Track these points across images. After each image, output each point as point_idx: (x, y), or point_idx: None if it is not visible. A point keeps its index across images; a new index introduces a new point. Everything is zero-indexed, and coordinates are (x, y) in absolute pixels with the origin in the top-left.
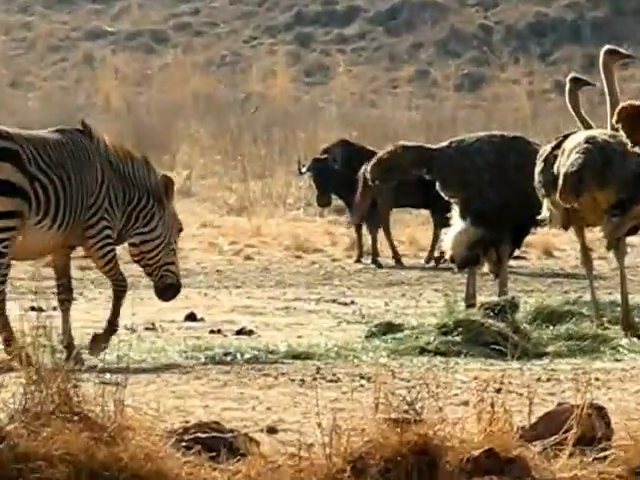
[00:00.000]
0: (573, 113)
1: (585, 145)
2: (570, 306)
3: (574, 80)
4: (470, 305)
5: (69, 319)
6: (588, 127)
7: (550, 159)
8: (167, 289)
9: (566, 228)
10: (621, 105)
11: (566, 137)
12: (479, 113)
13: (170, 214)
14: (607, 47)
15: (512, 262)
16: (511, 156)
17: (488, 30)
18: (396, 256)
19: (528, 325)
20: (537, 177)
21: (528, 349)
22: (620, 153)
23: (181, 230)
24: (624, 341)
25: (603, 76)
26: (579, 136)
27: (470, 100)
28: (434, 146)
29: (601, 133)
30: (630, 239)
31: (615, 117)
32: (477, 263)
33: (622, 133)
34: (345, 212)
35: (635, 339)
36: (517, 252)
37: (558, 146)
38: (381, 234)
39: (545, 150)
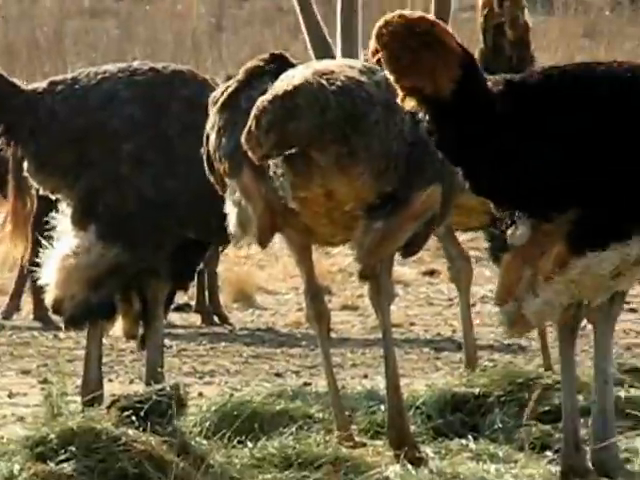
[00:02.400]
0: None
1: (303, 86)
2: (287, 402)
3: None
4: (93, 400)
5: None
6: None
7: (234, 112)
8: None
9: (264, 244)
10: (383, 19)
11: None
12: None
13: None
14: None
15: (172, 316)
16: (173, 109)
17: None
18: None
19: (205, 440)
20: (213, 146)
21: None
22: (382, 106)
23: None
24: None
25: None
26: (296, 72)
27: None
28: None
29: (342, 65)
30: None
31: (373, 40)
32: (108, 318)
33: (386, 70)
34: None
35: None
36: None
37: (245, 86)
38: None
39: (220, 95)
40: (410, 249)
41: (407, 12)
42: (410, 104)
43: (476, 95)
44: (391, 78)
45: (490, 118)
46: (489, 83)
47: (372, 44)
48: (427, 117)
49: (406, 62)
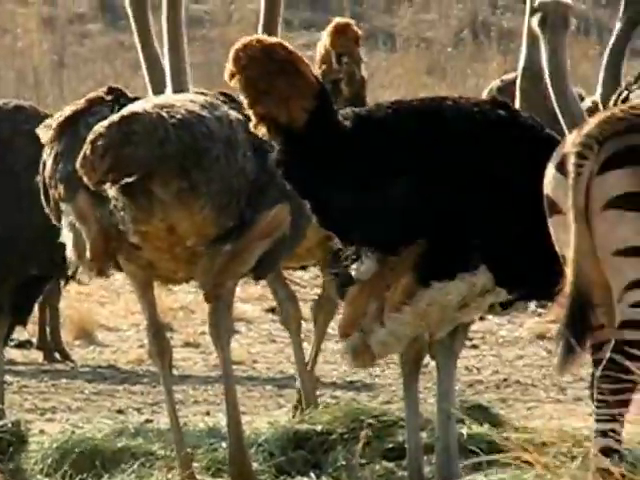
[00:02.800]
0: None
1: (141, 114)
2: (129, 439)
3: None
4: None
5: None
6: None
7: (72, 138)
8: None
9: (98, 270)
10: (241, 43)
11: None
12: None
13: None
14: None
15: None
16: (17, 144)
17: None
18: None
19: (46, 478)
20: (49, 172)
21: None
22: (223, 142)
23: None
24: None
25: None
26: (135, 104)
27: None
28: None
29: (183, 99)
30: None
31: (230, 63)
32: None
33: (241, 94)
34: None
35: None
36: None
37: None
38: None
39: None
40: (260, 271)
41: (265, 37)
42: (262, 131)
43: (328, 127)
44: (245, 102)
45: (340, 151)
46: (339, 117)
47: (228, 67)
48: (277, 146)
49: (262, 88)
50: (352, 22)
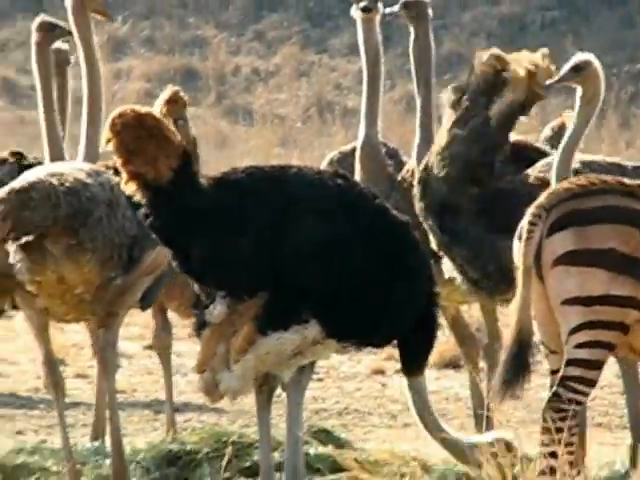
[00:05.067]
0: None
1: (37, 182)
2: (27, 456)
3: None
4: None
5: None
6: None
7: None
8: None
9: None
10: (117, 111)
11: None
12: None
13: None
14: None
15: None
16: None
17: None
18: None
19: None
20: None
21: None
22: (105, 204)
23: None
24: None
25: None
26: (33, 171)
27: None
28: None
29: (72, 168)
30: None
31: (107, 128)
32: None
33: (115, 155)
34: None
35: None
36: None
37: None
38: None
39: None
40: (146, 302)
41: (137, 107)
42: (131, 188)
43: (190, 184)
44: (118, 162)
45: (198, 206)
46: (201, 178)
47: (105, 133)
48: (145, 200)
49: (133, 149)
50: (178, 90)
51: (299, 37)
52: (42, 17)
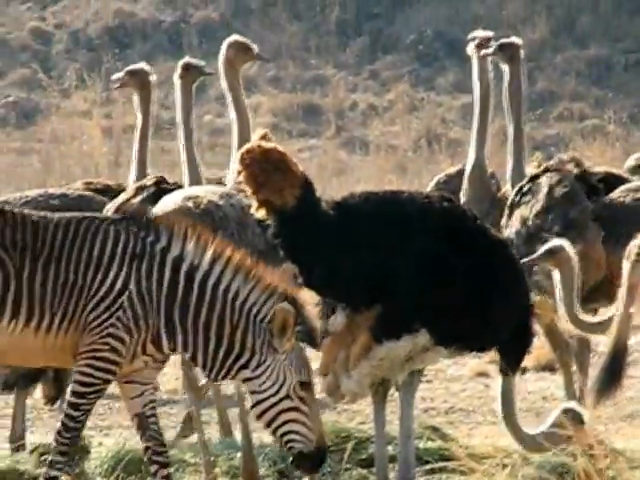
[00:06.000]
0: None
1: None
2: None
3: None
4: (19, 447)
5: None
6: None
7: None
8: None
9: None
10: (245, 148)
11: None
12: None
13: None
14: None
15: None
16: None
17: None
18: None
19: (104, 479)
20: None
21: None
22: (236, 222)
23: None
24: None
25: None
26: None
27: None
28: None
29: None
30: None
31: (238, 162)
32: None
33: (245, 186)
34: None
35: None
36: None
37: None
38: None
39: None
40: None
41: (264, 143)
42: (262, 213)
43: (312, 209)
44: (249, 192)
45: (321, 228)
46: (322, 203)
47: (236, 166)
48: (274, 224)
49: (261, 181)
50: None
51: (410, 76)
52: (186, 58)
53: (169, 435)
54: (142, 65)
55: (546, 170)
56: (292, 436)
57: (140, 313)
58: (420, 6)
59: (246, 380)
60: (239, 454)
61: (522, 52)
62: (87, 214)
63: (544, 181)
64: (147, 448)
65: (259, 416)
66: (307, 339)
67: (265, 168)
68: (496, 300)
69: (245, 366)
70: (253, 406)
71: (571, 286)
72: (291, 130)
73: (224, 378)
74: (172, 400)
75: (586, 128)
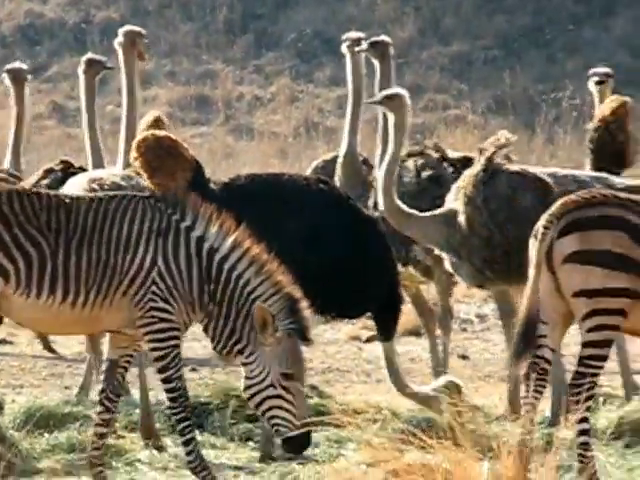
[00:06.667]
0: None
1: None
2: (72, 407)
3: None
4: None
5: None
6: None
7: None
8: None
9: None
10: (141, 136)
11: None
12: None
13: None
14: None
15: None
16: None
17: None
18: None
19: (16, 432)
20: None
21: (16, 464)
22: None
23: None
24: (143, 454)
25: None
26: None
27: None
28: None
29: (109, 173)
30: None
31: (134, 149)
32: None
33: (140, 171)
34: None
35: (156, 451)
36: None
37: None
38: None
39: None
40: None
41: (157, 131)
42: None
43: (202, 190)
44: (145, 176)
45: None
46: (211, 184)
47: (132, 153)
48: None
49: (155, 165)
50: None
51: (291, 71)
52: (89, 54)
53: (74, 393)
54: (19, 64)
55: (410, 155)
56: (276, 420)
57: (171, 284)
58: (300, 8)
59: (242, 364)
60: (137, 410)
61: (392, 49)
62: (118, 193)
63: (410, 164)
64: (103, 390)
65: (249, 399)
66: (299, 335)
67: (159, 154)
68: (367, 271)
69: (241, 351)
70: (245, 389)
71: (403, 131)
72: (184, 119)
73: (227, 355)
74: (77, 361)
75: (449, 117)
